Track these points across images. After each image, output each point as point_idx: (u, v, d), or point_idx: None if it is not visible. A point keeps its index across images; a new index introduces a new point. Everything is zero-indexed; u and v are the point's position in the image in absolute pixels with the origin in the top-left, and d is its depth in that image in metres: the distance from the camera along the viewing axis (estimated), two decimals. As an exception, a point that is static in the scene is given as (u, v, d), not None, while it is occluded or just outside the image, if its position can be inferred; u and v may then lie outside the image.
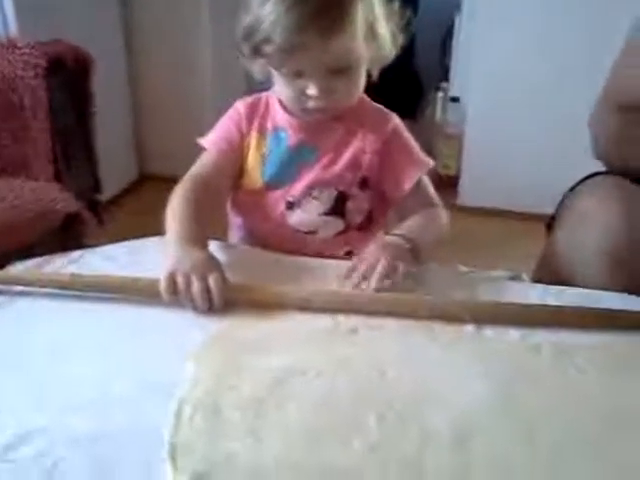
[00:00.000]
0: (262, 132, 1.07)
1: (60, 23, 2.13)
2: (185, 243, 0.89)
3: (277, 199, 1.06)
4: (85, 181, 1.79)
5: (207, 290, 0.82)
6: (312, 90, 0.94)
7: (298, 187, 1.05)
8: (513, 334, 0.80)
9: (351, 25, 0.90)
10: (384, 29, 0.96)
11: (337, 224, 1.06)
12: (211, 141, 1.09)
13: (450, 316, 0.82)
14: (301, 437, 0.63)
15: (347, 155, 1.04)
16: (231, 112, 1.10)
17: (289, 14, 0.87)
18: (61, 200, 1.52)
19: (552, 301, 0.88)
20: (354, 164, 1.04)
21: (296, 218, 1.06)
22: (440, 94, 3.22)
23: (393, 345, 0.78)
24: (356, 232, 1.07)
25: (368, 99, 1.08)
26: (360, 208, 1.06)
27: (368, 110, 1.07)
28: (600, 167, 1.21)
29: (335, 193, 1.04)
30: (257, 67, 0.99)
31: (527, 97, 2.62)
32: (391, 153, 1.05)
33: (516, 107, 2.65)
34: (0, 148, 1.67)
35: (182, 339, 0.77)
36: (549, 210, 1.29)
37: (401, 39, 0.99)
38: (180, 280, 0.82)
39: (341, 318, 0.82)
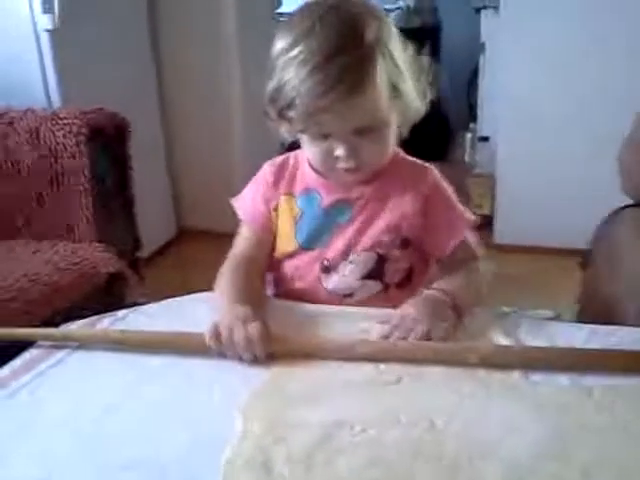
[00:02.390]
0: (291, 194, 1.07)
1: (100, 89, 2.23)
2: (231, 302, 0.93)
3: (312, 262, 1.05)
4: (125, 240, 1.84)
5: (249, 339, 0.84)
6: (339, 151, 0.94)
7: (333, 250, 1.03)
8: (562, 379, 0.79)
9: (373, 86, 0.90)
10: (410, 86, 0.96)
11: (375, 286, 1.04)
12: (245, 211, 1.11)
13: (496, 362, 0.82)
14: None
15: (385, 216, 1.02)
16: (259, 177, 1.11)
17: (310, 79, 0.88)
18: (103, 260, 1.56)
19: (598, 342, 0.86)
20: (394, 226, 1.01)
21: (332, 282, 1.04)
22: (469, 135, 3.24)
23: (439, 394, 0.77)
24: (395, 290, 1.05)
25: (403, 154, 1.07)
26: (399, 268, 1.05)
27: (403, 167, 1.05)
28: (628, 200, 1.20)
29: (374, 257, 1.03)
30: (284, 129, 1.00)
31: (555, 132, 2.62)
32: (432, 211, 1.02)
33: (545, 143, 2.65)
34: (44, 212, 1.73)
35: (229, 394, 0.78)
36: (583, 245, 1.28)
37: (430, 93, 0.99)
38: (223, 330, 0.85)
39: (383, 367, 0.82)
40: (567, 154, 2.61)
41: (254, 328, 0.85)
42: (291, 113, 0.93)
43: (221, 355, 0.86)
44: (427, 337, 0.86)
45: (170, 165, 2.95)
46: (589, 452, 0.67)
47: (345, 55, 0.88)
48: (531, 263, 2.57)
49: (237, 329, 0.85)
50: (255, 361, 0.84)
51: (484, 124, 3.00)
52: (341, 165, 0.96)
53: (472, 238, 1.06)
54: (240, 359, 0.85)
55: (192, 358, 0.87)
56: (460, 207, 1.05)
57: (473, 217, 1.05)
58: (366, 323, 0.92)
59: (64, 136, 1.64)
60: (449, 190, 1.06)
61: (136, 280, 1.64)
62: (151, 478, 0.65)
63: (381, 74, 0.91)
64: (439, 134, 3.75)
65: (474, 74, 3.38)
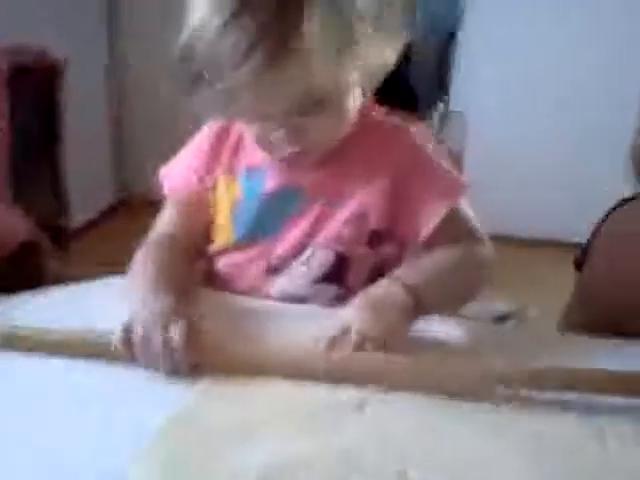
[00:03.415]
0: (232, 173, 0.84)
1: (31, 23, 1.94)
2: (148, 290, 0.72)
3: (253, 260, 0.83)
4: (49, 205, 1.61)
5: (170, 345, 0.64)
6: (276, 135, 0.72)
7: (281, 247, 0.82)
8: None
9: (299, 50, 0.66)
10: (368, 33, 0.70)
11: (332, 290, 0.82)
12: (172, 185, 0.88)
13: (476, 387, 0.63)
14: None
15: (347, 205, 0.80)
16: (194, 144, 0.87)
17: (223, 40, 0.66)
18: (13, 226, 1.33)
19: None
20: (357, 217, 0.80)
21: (279, 287, 0.83)
22: (438, 109, 3.07)
23: (412, 428, 0.58)
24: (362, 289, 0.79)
25: (373, 115, 0.83)
26: (365, 267, 0.82)
27: (372, 136, 0.81)
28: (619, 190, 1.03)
29: (332, 256, 0.81)
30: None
31: (533, 111, 2.48)
32: (407, 188, 0.79)
33: (521, 121, 2.51)
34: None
35: (128, 426, 0.57)
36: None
37: (402, 37, 0.75)
38: (137, 330, 0.65)
39: (341, 390, 0.63)
40: (546, 134, 2.47)
41: (177, 329, 0.64)
42: (199, 89, 0.70)
43: (134, 362, 0.66)
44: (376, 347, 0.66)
45: (114, 123, 2.66)
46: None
47: (256, 10, 0.65)
48: (500, 251, 2.42)
49: (154, 330, 0.65)
50: (176, 373, 0.65)
51: (457, 97, 2.83)
52: (284, 149, 0.74)
53: (466, 215, 0.81)
54: (157, 370, 0.65)
55: (90, 365, 0.66)
56: (446, 172, 0.81)
57: (467, 183, 0.81)
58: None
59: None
60: (432, 155, 0.81)
61: (53, 251, 1.41)
62: None
63: (313, 27, 0.66)
64: (407, 107, 3.57)
65: (446, 46, 3.19)
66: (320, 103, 0.71)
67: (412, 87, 3.57)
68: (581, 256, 1.04)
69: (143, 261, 0.79)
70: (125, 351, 0.65)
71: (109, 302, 0.75)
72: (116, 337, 0.65)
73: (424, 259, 0.79)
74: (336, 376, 0.64)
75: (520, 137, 2.54)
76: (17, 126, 1.48)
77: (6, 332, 0.70)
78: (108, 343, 0.66)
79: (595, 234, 1.02)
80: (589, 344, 0.74)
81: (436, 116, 3.04)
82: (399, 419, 0.60)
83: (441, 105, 2.98)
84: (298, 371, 0.64)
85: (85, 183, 2.14)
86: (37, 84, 1.55)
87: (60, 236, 1.57)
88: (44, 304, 0.81)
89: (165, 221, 0.87)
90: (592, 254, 0.98)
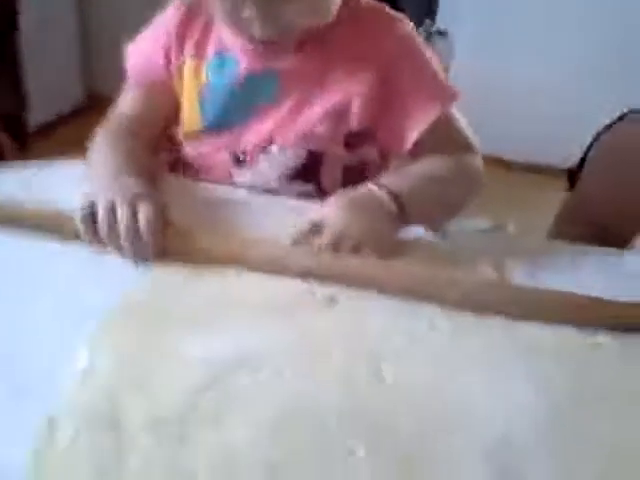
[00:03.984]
0: (200, 56, 0.76)
1: None
2: (113, 172, 0.66)
3: (221, 150, 0.77)
4: (6, 99, 1.50)
5: (135, 226, 0.58)
6: (248, 12, 0.64)
7: (250, 138, 0.75)
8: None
9: None
10: None
11: (306, 189, 0.77)
12: (136, 63, 0.80)
13: (483, 302, 0.57)
14: (247, 477, 0.39)
15: (324, 97, 0.73)
16: (161, 21, 0.78)
17: None
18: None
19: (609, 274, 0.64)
20: (336, 113, 0.72)
21: (245, 180, 0.77)
22: (423, 29, 2.95)
23: (388, 324, 0.54)
24: (338, 191, 0.73)
25: (362, 0, 0.75)
26: (339, 168, 0.76)
27: (359, 21, 0.73)
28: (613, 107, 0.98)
29: (303, 154, 0.74)
30: None
31: (524, 30, 2.37)
32: (394, 84, 0.72)
33: (511, 41, 2.41)
34: None
35: (80, 309, 0.52)
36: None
37: None
38: (102, 210, 0.59)
39: (312, 281, 0.58)
40: (536, 54, 2.37)
41: (145, 210, 0.59)
42: None
43: (94, 245, 0.60)
44: (355, 253, 0.60)
45: (81, 11, 2.46)
46: (609, 424, 0.45)
47: None
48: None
49: (120, 209, 0.59)
50: (140, 257, 0.59)
51: (443, 16, 2.70)
52: (257, 33, 0.66)
53: (457, 123, 0.75)
54: (119, 252, 0.59)
55: (38, 246, 0.60)
56: (436, 73, 0.74)
57: (456, 90, 0.75)
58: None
59: None
60: (424, 53, 0.74)
61: (11, 144, 1.31)
62: None
63: None
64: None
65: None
66: None
67: (398, 4, 3.43)
68: (577, 167, 1.00)
69: (104, 148, 0.72)
70: (86, 232, 0.59)
71: (67, 183, 0.68)
72: (78, 215, 0.59)
73: (412, 167, 0.73)
74: (307, 274, 0.58)
75: (509, 58, 2.44)
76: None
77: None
78: (66, 223, 0.60)
79: (594, 144, 0.97)
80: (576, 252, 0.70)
81: (421, 34, 2.94)
82: (373, 314, 0.55)
83: (427, 22, 2.87)
84: (267, 265, 0.59)
85: (48, 81, 2.01)
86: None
87: (20, 132, 1.47)
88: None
89: (128, 104, 0.80)
90: (590, 162, 0.94)
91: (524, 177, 2.36)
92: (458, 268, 0.61)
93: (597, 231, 0.80)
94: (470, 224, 0.82)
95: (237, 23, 0.67)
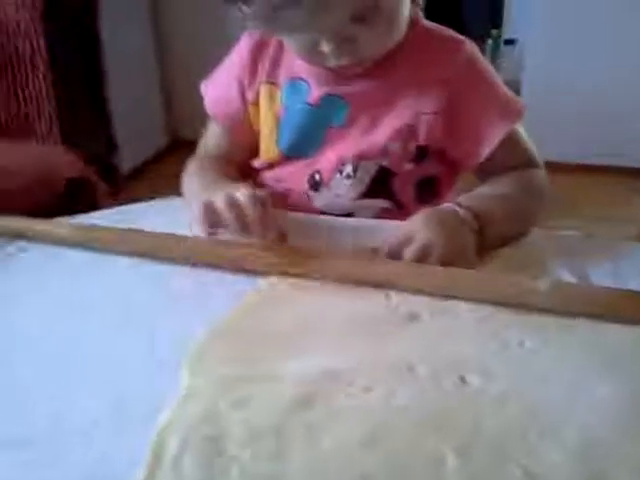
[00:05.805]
0: (274, 83, 0.80)
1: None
2: (214, 182, 0.73)
3: (297, 174, 0.80)
4: (97, 142, 1.59)
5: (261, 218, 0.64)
6: (326, 47, 0.68)
7: (325, 160, 0.78)
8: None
9: None
10: None
11: (380, 204, 0.79)
12: (214, 100, 0.85)
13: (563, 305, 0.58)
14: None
15: (395, 116, 0.76)
16: (234, 53, 0.83)
17: None
18: (62, 163, 1.32)
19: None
20: (406, 130, 0.75)
21: (323, 201, 0.80)
22: (490, 40, 2.93)
23: (472, 338, 0.55)
24: (417, 207, 0.76)
25: (424, 23, 0.78)
26: (411, 183, 0.79)
27: (425, 44, 0.76)
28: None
29: (375, 169, 0.77)
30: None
31: (594, 36, 2.31)
32: (463, 104, 0.74)
33: (581, 48, 2.35)
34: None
35: (179, 333, 0.55)
36: (622, 162, 1.04)
37: None
38: (221, 204, 0.64)
39: (395, 297, 0.60)
40: (606, 60, 2.31)
41: (259, 194, 0.65)
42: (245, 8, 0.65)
43: (212, 233, 0.65)
44: (442, 265, 0.62)
45: (162, 67, 2.62)
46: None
47: None
48: (561, 180, 2.32)
49: (246, 206, 0.63)
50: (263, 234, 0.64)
51: (511, 26, 2.68)
52: (331, 62, 0.70)
53: (524, 140, 0.78)
54: (246, 232, 0.64)
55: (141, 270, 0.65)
56: (504, 91, 0.77)
57: (523, 105, 0.77)
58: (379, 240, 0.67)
59: (16, 11, 1.36)
60: (490, 71, 0.78)
61: (105, 188, 1.40)
62: (43, 461, 0.43)
63: None
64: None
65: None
66: (375, 8, 0.66)
67: (462, 15, 3.42)
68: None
69: (195, 176, 0.78)
70: (207, 228, 0.64)
71: (165, 219, 0.73)
72: (197, 215, 0.64)
73: (485, 188, 0.75)
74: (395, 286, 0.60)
75: (578, 65, 2.38)
76: (57, 63, 1.46)
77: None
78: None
79: None
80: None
81: (489, 45, 2.91)
82: (456, 329, 0.56)
83: (494, 32, 2.84)
84: (349, 279, 0.61)
85: (134, 127, 2.12)
86: (75, 17, 1.51)
87: (112, 175, 1.56)
88: (99, 217, 0.81)
89: (211, 141, 0.86)
90: None
91: (599, 179, 2.29)
92: (536, 273, 0.62)
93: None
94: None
95: (314, 57, 0.71)
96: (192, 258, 0.66)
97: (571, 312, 0.56)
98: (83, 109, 1.57)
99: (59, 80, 1.48)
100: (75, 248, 0.70)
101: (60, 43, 1.44)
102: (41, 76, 1.43)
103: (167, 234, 0.69)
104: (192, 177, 0.79)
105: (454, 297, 0.59)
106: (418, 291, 0.59)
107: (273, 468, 0.42)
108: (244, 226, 0.63)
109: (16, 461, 0.43)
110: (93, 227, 0.73)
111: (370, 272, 0.62)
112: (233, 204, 0.63)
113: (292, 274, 0.63)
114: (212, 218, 0.64)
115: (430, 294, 0.59)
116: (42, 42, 1.39)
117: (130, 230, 0.70)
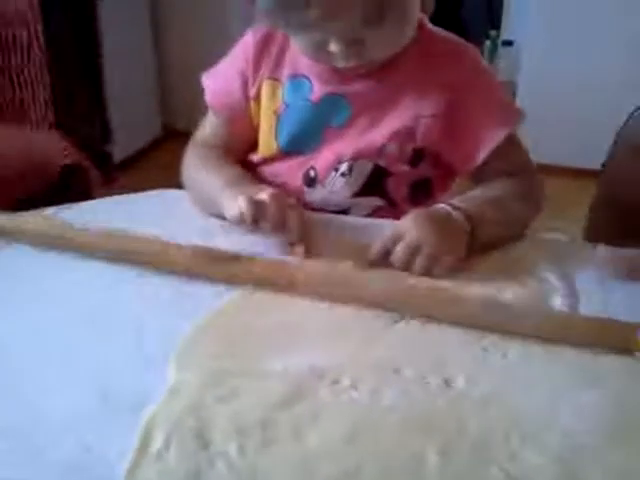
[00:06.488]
0: (276, 79, 0.80)
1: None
2: (238, 181, 0.75)
3: (293, 171, 0.81)
4: (92, 129, 1.59)
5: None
6: (334, 47, 0.68)
7: (321, 158, 0.79)
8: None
9: None
10: None
11: (374, 202, 0.80)
12: (214, 92, 0.84)
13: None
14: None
15: (394, 118, 0.76)
16: (238, 48, 0.83)
17: None
18: (56, 149, 1.32)
19: None
20: (404, 132, 0.76)
21: (317, 197, 0.80)
22: (488, 41, 2.94)
23: (457, 343, 0.55)
24: (408, 206, 0.79)
25: (430, 28, 0.78)
26: (405, 183, 0.80)
27: (430, 48, 0.76)
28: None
29: (370, 168, 0.78)
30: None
31: (591, 38, 2.32)
32: (463, 108, 0.75)
33: (577, 51, 2.36)
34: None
35: (167, 328, 0.56)
36: None
37: None
38: (267, 199, 0.67)
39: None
40: (603, 61, 2.32)
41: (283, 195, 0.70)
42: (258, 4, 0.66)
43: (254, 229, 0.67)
44: (432, 263, 0.63)
45: (158, 57, 2.61)
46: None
47: None
48: (551, 184, 2.33)
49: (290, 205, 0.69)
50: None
51: (509, 27, 2.69)
52: (338, 63, 0.71)
53: (520, 146, 0.79)
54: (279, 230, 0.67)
55: (125, 271, 0.65)
56: (502, 95, 0.79)
57: (522, 111, 0.78)
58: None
59: (13, -4, 1.36)
60: (491, 77, 0.79)
61: (98, 175, 1.39)
62: (28, 451, 0.44)
63: None
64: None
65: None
66: (388, 10, 0.67)
67: (462, 16, 3.42)
68: (603, 168, 0.99)
69: (210, 166, 0.79)
70: (252, 221, 0.66)
71: (159, 210, 0.73)
72: (244, 208, 0.66)
73: (479, 191, 0.76)
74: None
75: (574, 66, 2.40)
76: (54, 49, 1.45)
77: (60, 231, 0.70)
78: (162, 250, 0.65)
79: (622, 132, 0.96)
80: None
81: (487, 46, 2.92)
82: (441, 333, 0.56)
83: (492, 33, 2.85)
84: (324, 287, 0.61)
85: (129, 116, 2.12)
86: (72, 3, 1.51)
87: (105, 163, 1.56)
88: (92, 208, 0.82)
89: (208, 131, 0.86)
90: (617, 149, 0.93)
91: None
92: (524, 277, 0.63)
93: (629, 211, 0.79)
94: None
95: (321, 56, 0.72)
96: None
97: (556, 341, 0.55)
98: (78, 96, 1.56)
99: (55, 66, 1.47)
100: (56, 247, 0.69)
101: (56, 30, 1.43)
102: (37, 62, 1.42)
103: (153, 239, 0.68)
104: (200, 170, 0.80)
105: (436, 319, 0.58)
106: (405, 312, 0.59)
107: (258, 462, 0.42)
108: (282, 224, 0.66)
109: (1, 449, 0.43)
110: (76, 227, 0.71)
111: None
112: (281, 203, 0.67)
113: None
114: (257, 214, 0.65)
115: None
116: (39, 28, 1.39)
117: (112, 234, 0.69)
